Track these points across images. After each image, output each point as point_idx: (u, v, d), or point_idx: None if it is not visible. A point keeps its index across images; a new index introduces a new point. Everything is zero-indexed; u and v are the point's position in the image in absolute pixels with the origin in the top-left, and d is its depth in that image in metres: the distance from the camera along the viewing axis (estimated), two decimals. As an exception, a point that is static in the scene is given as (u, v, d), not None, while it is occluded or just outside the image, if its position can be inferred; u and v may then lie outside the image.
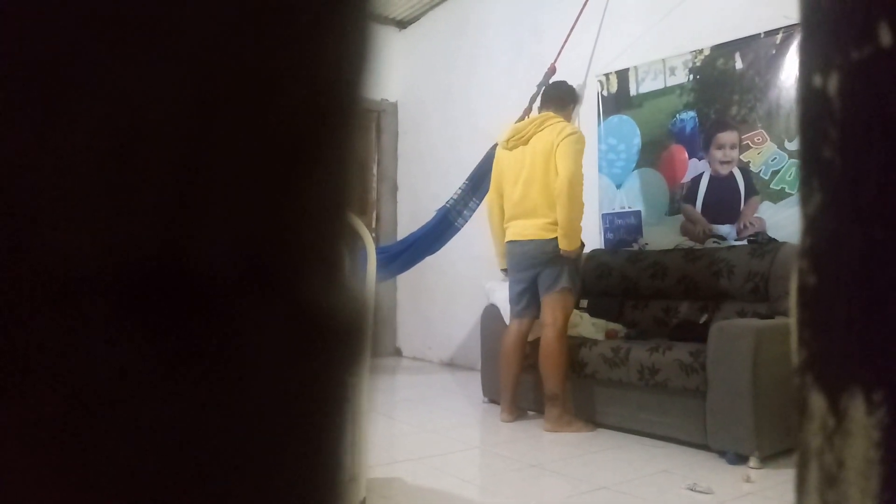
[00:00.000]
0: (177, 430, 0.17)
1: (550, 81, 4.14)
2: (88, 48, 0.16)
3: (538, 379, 3.20)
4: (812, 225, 0.25)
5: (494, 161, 3.49)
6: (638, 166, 3.90)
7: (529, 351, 3.30)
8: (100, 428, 0.16)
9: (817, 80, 0.24)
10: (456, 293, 5.11)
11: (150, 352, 0.17)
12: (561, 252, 3.15)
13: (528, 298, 3.29)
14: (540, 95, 3.46)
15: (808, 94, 0.25)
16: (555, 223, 3.15)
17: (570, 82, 4.00)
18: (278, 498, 0.19)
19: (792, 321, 0.26)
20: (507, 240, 3.34)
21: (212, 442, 0.18)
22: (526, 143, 3.26)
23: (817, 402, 0.24)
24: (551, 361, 3.11)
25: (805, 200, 0.25)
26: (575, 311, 3.43)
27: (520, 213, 3.26)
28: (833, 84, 0.24)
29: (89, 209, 0.16)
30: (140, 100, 0.16)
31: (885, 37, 0.22)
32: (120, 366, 0.16)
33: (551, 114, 3.28)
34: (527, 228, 3.23)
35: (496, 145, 4.17)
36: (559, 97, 3.38)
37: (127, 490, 0.16)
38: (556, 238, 3.15)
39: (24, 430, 0.16)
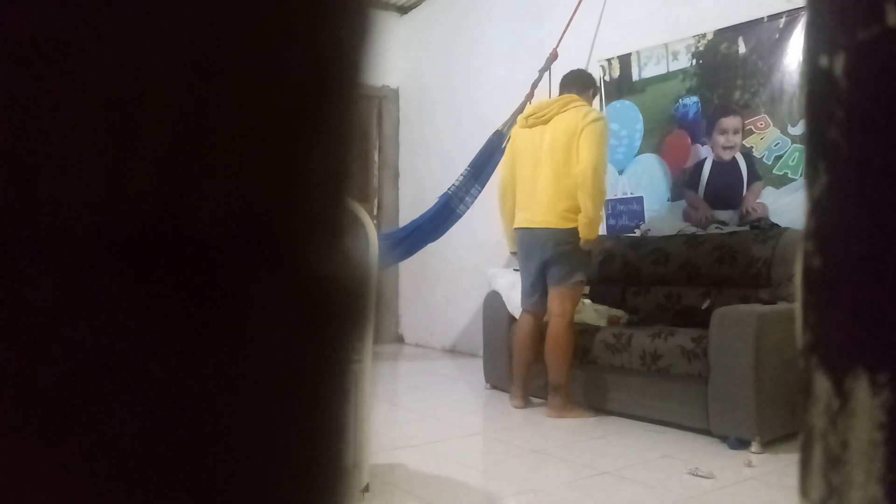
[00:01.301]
0: (176, 396, 0.17)
1: (552, 66, 4.13)
2: (87, 11, 0.16)
3: (543, 367, 3.21)
4: (817, 207, 0.25)
5: (510, 140, 3.34)
6: (640, 152, 3.89)
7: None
8: (96, 392, 0.16)
9: (823, 61, 0.24)
10: (458, 280, 5.12)
11: (150, 317, 0.17)
12: (582, 243, 3.04)
13: (540, 290, 3.19)
14: (560, 81, 3.31)
15: (815, 75, 0.25)
16: (572, 211, 3.02)
17: (572, 67, 3.97)
18: (281, 464, 0.19)
19: (797, 303, 0.26)
20: (516, 226, 3.21)
21: (211, 409, 0.18)
22: (546, 122, 3.11)
23: (822, 383, 0.24)
24: (559, 352, 3.08)
25: (810, 182, 0.25)
26: (577, 297, 3.43)
27: (532, 198, 3.12)
28: (839, 64, 0.24)
29: (88, 171, 0.16)
30: (138, 64, 0.16)
31: (892, 16, 0.22)
32: (118, 330, 0.16)
33: (574, 96, 3.14)
34: (538, 215, 3.09)
35: (498, 131, 4.16)
36: (580, 81, 3.23)
37: (123, 455, 0.16)
38: (575, 228, 3.03)
39: (21, 392, 0.16)
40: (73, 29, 0.16)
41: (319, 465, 0.21)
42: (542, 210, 3.09)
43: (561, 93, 3.25)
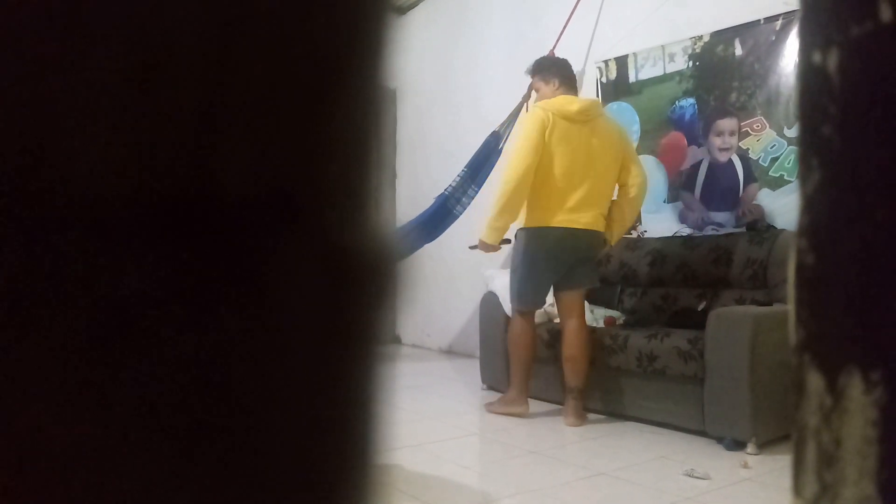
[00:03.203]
0: (202, 359, 0.17)
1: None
2: None
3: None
4: (811, 203, 0.25)
5: (548, 129, 2.96)
6: (637, 153, 3.89)
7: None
8: (123, 354, 0.16)
9: (817, 57, 0.24)
10: (454, 281, 5.12)
11: (178, 280, 0.17)
12: (608, 247, 3.15)
13: (546, 290, 3.13)
14: (546, 66, 3.24)
15: (808, 71, 0.25)
16: (604, 215, 3.08)
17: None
18: (305, 427, 0.19)
19: (790, 300, 0.26)
20: (553, 224, 2.99)
21: (237, 374, 0.18)
22: (586, 123, 3.01)
23: (815, 381, 0.24)
24: (587, 353, 3.03)
25: (804, 179, 0.25)
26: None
27: (577, 199, 2.98)
28: (833, 61, 0.23)
29: (118, 137, 0.16)
30: (168, 32, 0.16)
31: (885, 12, 0.22)
32: (148, 293, 0.16)
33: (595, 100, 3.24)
34: (584, 217, 3.00)
35: (495, 132, 4.16)
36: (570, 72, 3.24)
37: (149, 418, 0.17)
38: (603, 232, 3.11)
39: (49, 353, 0.16)
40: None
41: (343, 434, 0.21)
42: (589, 212, 3.02)
43: (546, 78, 3.18)
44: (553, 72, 3.19)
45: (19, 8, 0.15)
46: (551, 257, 3.03)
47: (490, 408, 3.18)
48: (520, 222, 3.11)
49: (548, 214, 2.99)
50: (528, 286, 3.09)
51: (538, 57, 3.37)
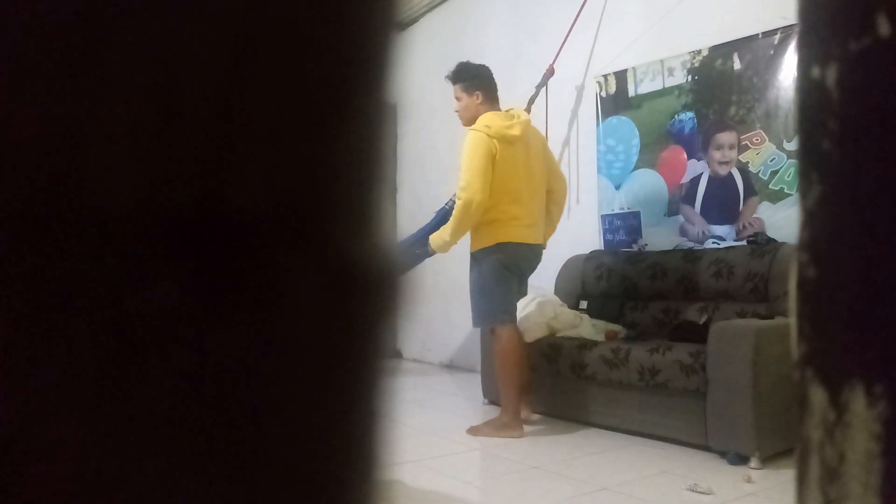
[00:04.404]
0: (208, 371, 0.17)
1: (549, 82, 4.15)
2: (135, 5, 0.16)
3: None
4: (811, 218, 0.25)
5: (500, 157, 3.03)
6: (637, 167, 3.90)
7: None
8: (134, 364, 0.17)
9: (816, 72, 0.24)
10: (455, 295, 5.11)
11: (189, 292, 0.17)
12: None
13: (516, 301, 3.27)
14: (460, 73, 3.22)
15: (807, 86, 0.25)
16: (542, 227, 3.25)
17: (568, 84, 3.99)
18: (308, 441, 0.19)
19: (791, 315, 0.26)
20: (517, 240, 3.09)
21: (247, 385, 0.18)
22: (521, 141, 3.11)
23: (818, 395, 0.24)
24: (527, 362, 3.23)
25: (804, 193, 0.25)
26: (575, 312, 3.43)
27: (531, 214, 3.12)
28: (831, 75, 0.24)
29: (135, 155, 0.17)
30: (183, 55, 0.17)
31: (883, 27, 0.22)
32: (158, 304, 0.17)
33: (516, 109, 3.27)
34: (538, 232, 3.18)
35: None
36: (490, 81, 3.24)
37: (155, 428, 0.17)
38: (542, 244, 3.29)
39: (65, 362, 0.16)
40: (122, 21, 0.16)
41: (346, 449, 0.21)
42: (539, 227, 3.20)
43: (470, 89, 3.19)
44: (476, 84, 3.19)
45: (45, 35, 0.16)
46: (513, 271, 3.18)
47: (477, 432, 3.06)
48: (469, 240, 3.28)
49: (504, 231, 3.11)
50: (505, 298, 3.19)
51: (459, 62, 3.30)
